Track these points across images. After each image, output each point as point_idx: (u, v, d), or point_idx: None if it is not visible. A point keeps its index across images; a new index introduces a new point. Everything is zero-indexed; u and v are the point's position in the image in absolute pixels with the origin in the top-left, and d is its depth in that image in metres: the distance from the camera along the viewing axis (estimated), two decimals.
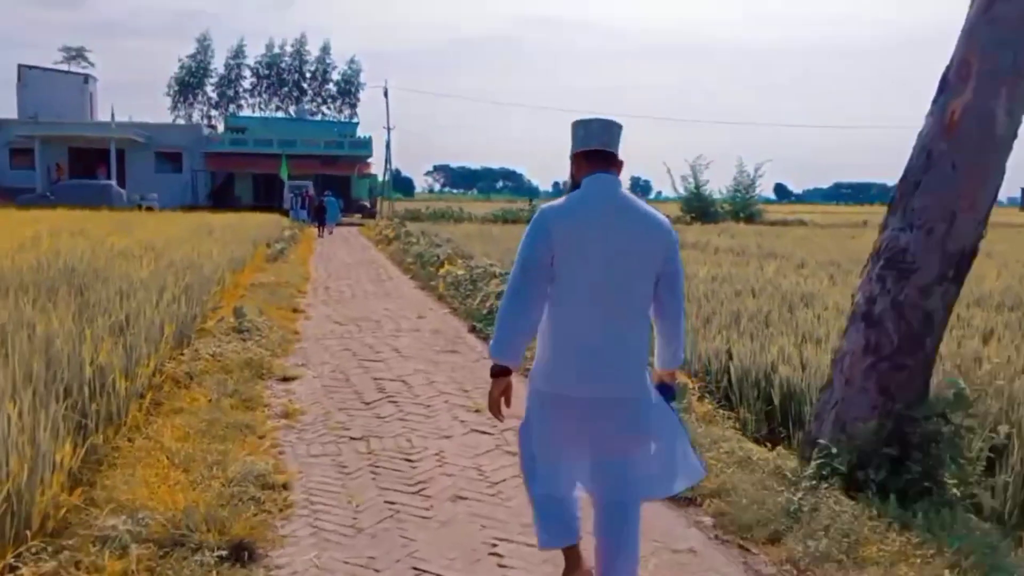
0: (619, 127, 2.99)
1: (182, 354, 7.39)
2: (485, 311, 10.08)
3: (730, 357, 7.74)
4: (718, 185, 47.69)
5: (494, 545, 3.91)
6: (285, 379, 7.16)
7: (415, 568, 3.68)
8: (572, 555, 3.12)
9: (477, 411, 6.12)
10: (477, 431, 5.71)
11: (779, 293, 12.13)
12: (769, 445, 5.50)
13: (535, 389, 3.02)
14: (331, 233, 34.10)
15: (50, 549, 3.52)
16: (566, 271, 2.83)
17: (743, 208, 46.14)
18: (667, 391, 3.17)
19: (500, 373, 3.03)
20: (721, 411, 6.26)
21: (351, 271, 18.02)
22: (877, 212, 78.14)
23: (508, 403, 3.06)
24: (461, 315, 11.07)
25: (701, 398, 6.34)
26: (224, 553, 3.60)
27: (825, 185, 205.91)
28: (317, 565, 3.69)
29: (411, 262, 17.90)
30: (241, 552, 3.66)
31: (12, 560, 3.43)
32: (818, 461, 4.36)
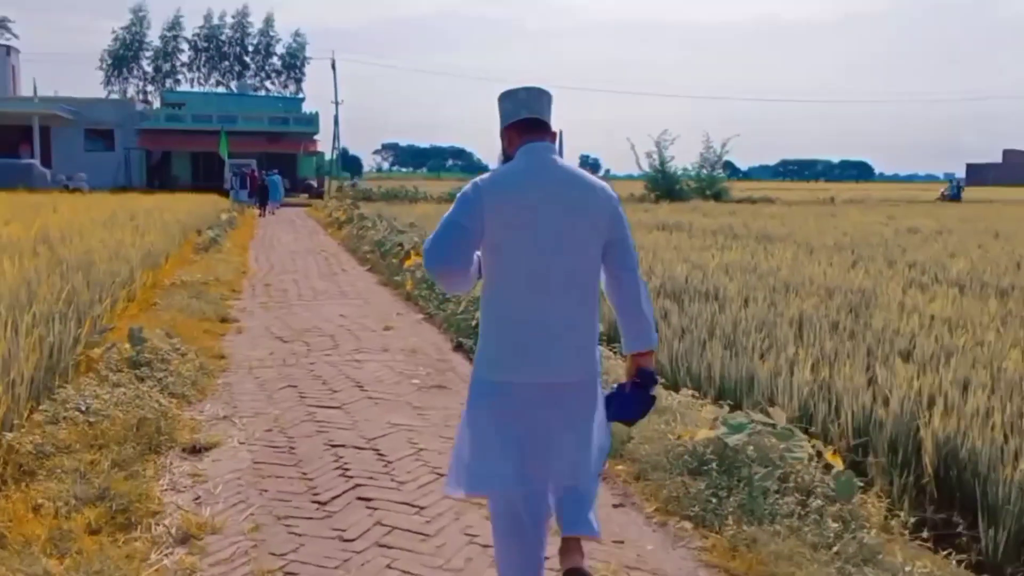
0: (548, 95, 2.79)
1: (43, 408, 4.93)
2: (473, 322, 7.68)
3: (832, 398, 5.51)
4: (676, 162, 45.40)
5: None
6: (195, 450, 4.73)
7: None
8: None
9: None
10: None
11: (822, 288, 9.97)
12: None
13: (479, 379, 2.70)
14: (273, 214, 31.61)
15: None
16: (504, 247, 2.61)
17: (710, 186, 44.13)
18: (647, 378, 2.72)
19: None
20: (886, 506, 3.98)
21: (297, 261, 15.44)
22: (833, 188, 77.89)
23: None
24: (440, 324, 8.68)
25: (868, 486, 4.02)
26: None
27: (771, 162, 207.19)
28: None
29: (368, 250, 15.37)
30: None
31: None
32: None
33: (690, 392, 5.69)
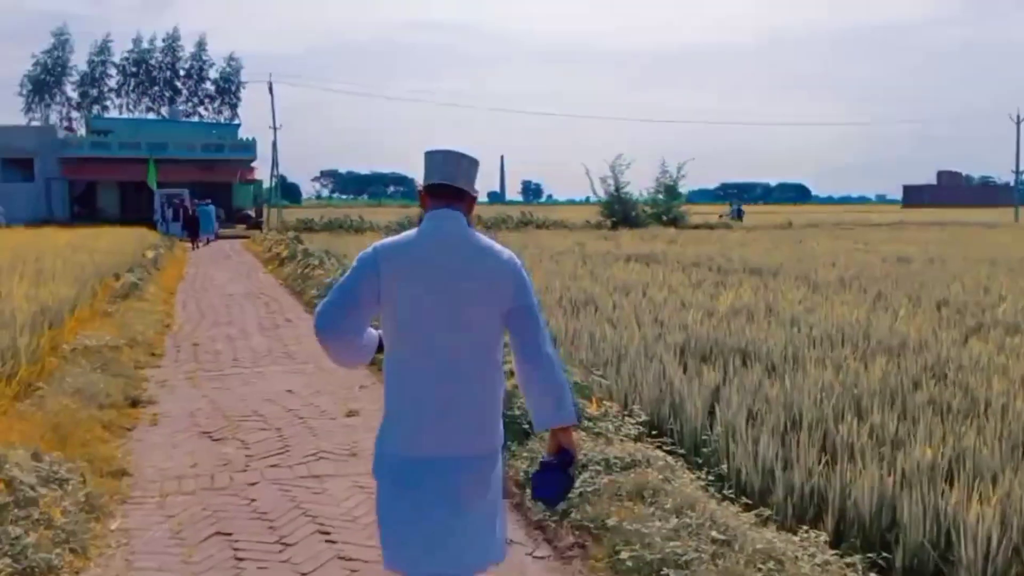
0: (469, 160, 2.62)
1: None
2: None
3: None
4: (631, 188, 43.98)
5: None
6: None
7: None
8: None
9: None
10: None
11: (871, 340, 8.27)
12: None
13: (382, 454, 2.56)
14: (208, 244, 29.48)
15: None
16: (402, 316, 2.49)
17: (667, 211, 42.82)
18: (566, 457, 2.55)
19: None
20: None
21: (233, 309, 13.30)
22: (779, 211, 78.31)
23: None
24: None
25: None
26: None
27: (711, 185, 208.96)
28: None
29: (316, 295, 13.32)
30: None
31: None
32: None
33: (822, 538, 3.85)
